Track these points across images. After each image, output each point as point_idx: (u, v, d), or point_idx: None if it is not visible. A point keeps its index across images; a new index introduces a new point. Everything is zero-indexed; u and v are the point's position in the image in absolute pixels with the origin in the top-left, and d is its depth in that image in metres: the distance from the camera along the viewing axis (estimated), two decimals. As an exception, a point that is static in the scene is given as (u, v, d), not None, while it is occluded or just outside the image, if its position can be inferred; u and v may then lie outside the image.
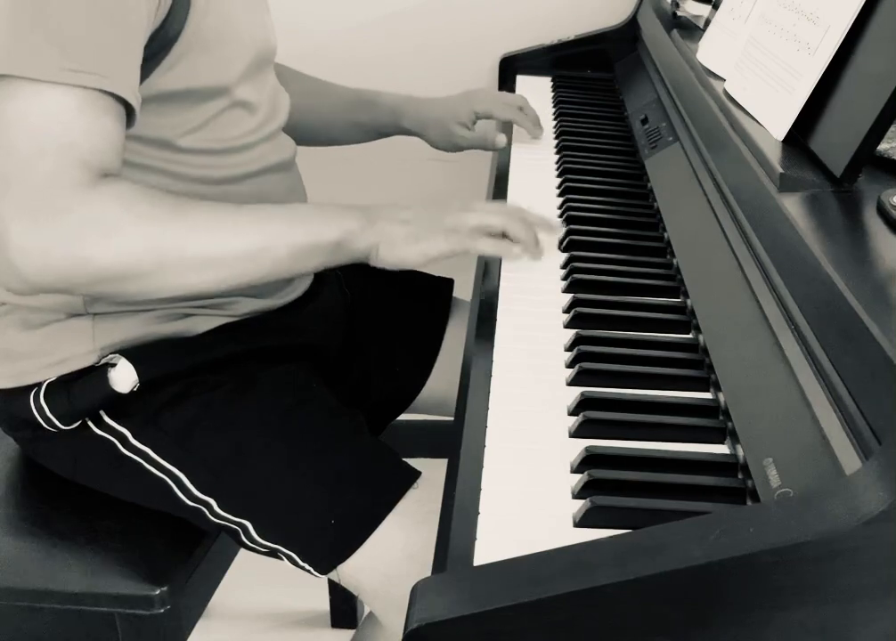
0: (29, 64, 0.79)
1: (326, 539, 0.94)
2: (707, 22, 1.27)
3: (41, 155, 0.80)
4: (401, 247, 0.94)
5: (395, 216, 0.95)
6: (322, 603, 1.65)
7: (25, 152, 0.79)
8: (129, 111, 0.85)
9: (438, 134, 1.35)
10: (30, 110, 0.80)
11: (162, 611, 0.95)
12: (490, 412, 0.78)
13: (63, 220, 0.80)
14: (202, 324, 1.01)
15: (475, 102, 1.35)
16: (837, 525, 0.53)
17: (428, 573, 0.61)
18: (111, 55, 0.82)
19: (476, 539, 0.64)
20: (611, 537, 0.58)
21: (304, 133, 1.32)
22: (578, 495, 0.69)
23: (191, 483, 0.96)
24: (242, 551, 1.04)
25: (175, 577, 0.96)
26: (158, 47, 0.88)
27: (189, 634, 1.03)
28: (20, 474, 1.09)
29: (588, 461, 0.71)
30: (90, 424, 0.98)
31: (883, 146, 0.83)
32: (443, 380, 1.24)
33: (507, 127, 1.41)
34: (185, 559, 0.99)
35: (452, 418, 0.81)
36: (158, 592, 0.94)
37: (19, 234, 0.79)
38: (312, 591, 1.62)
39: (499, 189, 1.24)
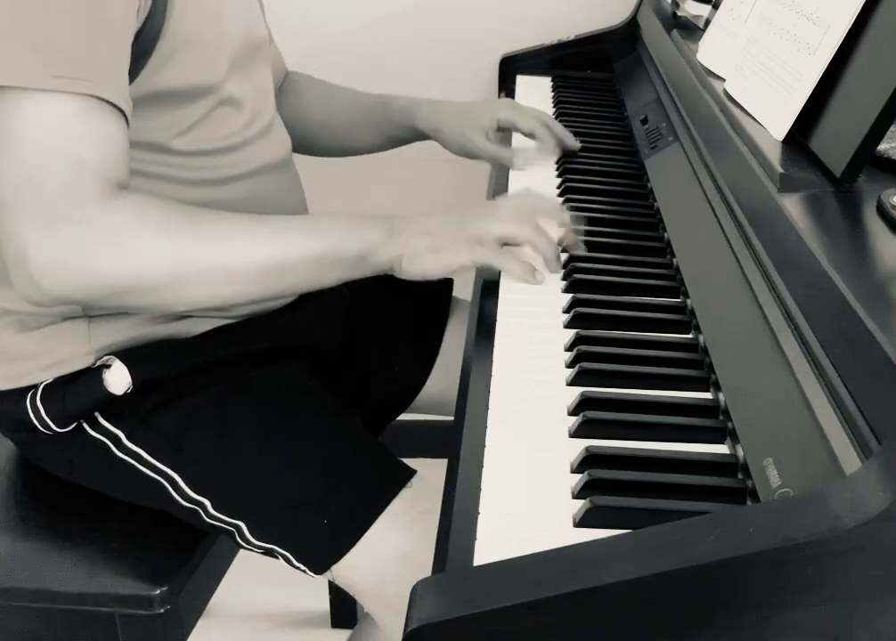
0: (16, 72, 0.79)
1: (320, 539, 0.94)
2: (707, 22, 1.27)
3: (51, 169, 0.79)
4: (424, 259, 0.92)
5: (417, 227, 0.93)
6: (322, 603, 1.65)
7: (33, 167, 0.79)
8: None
9: (453, 137, 1.28)
10: (30, 123, 0.79)
11: (162, 611, 0.95)
12: (490, 412, 0.78)
13: (79, 233, 0.80)
14: (200, 325, 1.00)
15: (498, 109, 1.30)
16: (837, 525, 0.53)
17: (422, 572, 0.61)
18: (98, 61, 0.81)
19: (476, 539, 0.64)
20: (611, 537, 0.58)
21: (322, 141, 1.30)
22: (578, 495, 0.69)
23: (185, 484, 0.96)
24: (242, 551, 1.04)
25: (175, 577, 0.96)
26: (142, 48, 0.87)
27: (189, 634, 1.03)
28: (19, 475, 1.09)
29: (588, 461, 0.71)
30: (85, 426, 0.98)
31: (883, 146, 0.83)
32: (443, 380, 1.24)
33: (506, 136, 1.39)
34: (185, 559, 0.99)
35: (452, 418, 0.81)
36: (158, 592, 0.94)
37: (37, 249, 0.80)
38: (312, 591, 1.62)
39: (499, 189, 1.24)
